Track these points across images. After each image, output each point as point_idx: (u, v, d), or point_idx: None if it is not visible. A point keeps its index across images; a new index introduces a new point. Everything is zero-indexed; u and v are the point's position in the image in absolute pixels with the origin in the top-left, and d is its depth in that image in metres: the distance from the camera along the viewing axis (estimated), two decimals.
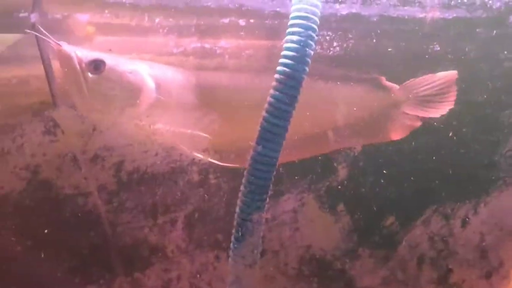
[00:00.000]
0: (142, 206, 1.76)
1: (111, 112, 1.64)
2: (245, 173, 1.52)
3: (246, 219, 1.54)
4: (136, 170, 1.72)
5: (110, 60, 1.61)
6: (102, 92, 1.61)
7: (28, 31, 1.53)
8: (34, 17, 1.57)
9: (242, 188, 1.53)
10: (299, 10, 1.47)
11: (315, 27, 1.46)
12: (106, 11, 1.66)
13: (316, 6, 1.47)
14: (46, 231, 1.71)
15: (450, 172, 1.89)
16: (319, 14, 1.47)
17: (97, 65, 1.59)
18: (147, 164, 1.71)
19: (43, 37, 1.53)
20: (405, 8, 1.77)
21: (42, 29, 1.53)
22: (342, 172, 1.83)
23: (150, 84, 1.68)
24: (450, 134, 1.86)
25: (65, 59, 1.56)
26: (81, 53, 1.58)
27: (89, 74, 1.58)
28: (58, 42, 1.55)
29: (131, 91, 1.64)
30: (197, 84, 1.75)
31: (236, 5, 1.70)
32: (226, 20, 1.71)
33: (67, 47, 1.56)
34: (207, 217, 1.80)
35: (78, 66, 1.56)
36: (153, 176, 1.73)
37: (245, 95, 1.77)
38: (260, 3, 1.71)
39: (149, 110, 1.67)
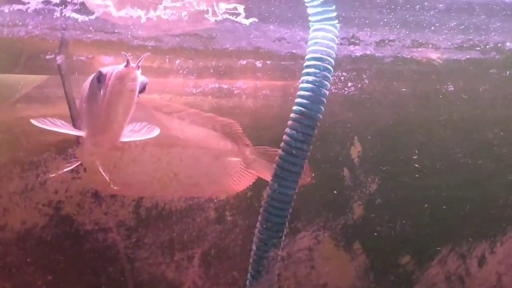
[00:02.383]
0: (160, 242, 1.78)
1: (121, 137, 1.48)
2: (261, 210, 1.54)
3: (262, 256, 1.55)
4: (155, 206, 1.74)
5: None
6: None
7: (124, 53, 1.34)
8: (60, 59, 1.59)
9: (258, 225, 1.55)
10: (314, 51, 1.51)
11: (330, 68, 1.50)
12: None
13: (331, 47, 1.51)
14: (66, 266, 1.73)
15: (467, 211, 1.89)
16: (334, 55, 1.51)
17: (142, 89, 1.41)
18: (165, 201, 1.73)
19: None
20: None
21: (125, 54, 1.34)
22: (358, 210, 1.84)
23: None
24: (466, 174, 1.86)
25: (126, 80, 1.36)
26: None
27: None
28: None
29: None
30: None
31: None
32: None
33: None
34: (224, 255, 1.82)
35: (138, 90, 1.39)
36: (171, 213, 1.75)
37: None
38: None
39: None
